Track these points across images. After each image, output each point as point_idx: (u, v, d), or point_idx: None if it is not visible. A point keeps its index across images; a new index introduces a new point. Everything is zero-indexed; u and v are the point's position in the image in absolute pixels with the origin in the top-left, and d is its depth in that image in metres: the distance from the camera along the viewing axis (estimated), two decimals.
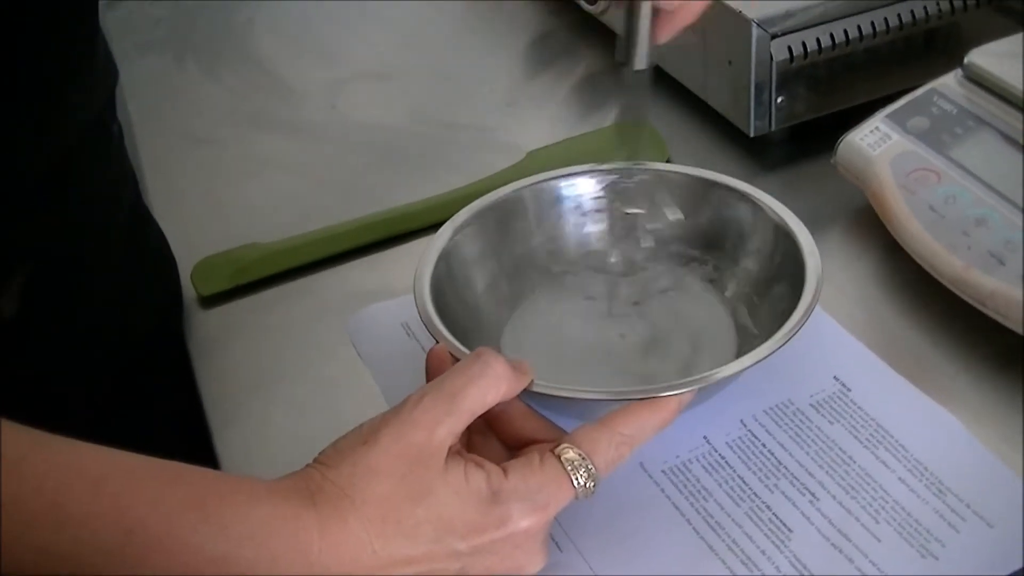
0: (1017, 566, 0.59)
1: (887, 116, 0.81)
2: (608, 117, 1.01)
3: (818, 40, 0.86)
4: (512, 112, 1.04)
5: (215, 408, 0.76)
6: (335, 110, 1.07)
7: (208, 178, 1.00)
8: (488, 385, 0.58)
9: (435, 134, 1.01)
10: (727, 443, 0.67)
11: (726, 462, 0.66)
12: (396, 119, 1.04)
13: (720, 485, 0.65)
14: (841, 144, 0.82)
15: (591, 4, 0.84)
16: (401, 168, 0.97)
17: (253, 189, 0.97)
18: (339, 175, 0.97)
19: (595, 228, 0.79)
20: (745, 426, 0.68)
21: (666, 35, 0.72)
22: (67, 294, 0.73)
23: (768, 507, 0.63)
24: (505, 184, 0.78)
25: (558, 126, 1.00)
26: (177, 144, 1.05)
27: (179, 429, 0.80)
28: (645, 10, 0.71)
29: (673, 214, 0.77)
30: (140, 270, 0.82)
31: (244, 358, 0.80)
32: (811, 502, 0.63)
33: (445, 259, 0.72)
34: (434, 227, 0.75)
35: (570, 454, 0.58)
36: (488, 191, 0.77)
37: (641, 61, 0.72)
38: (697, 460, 0.66)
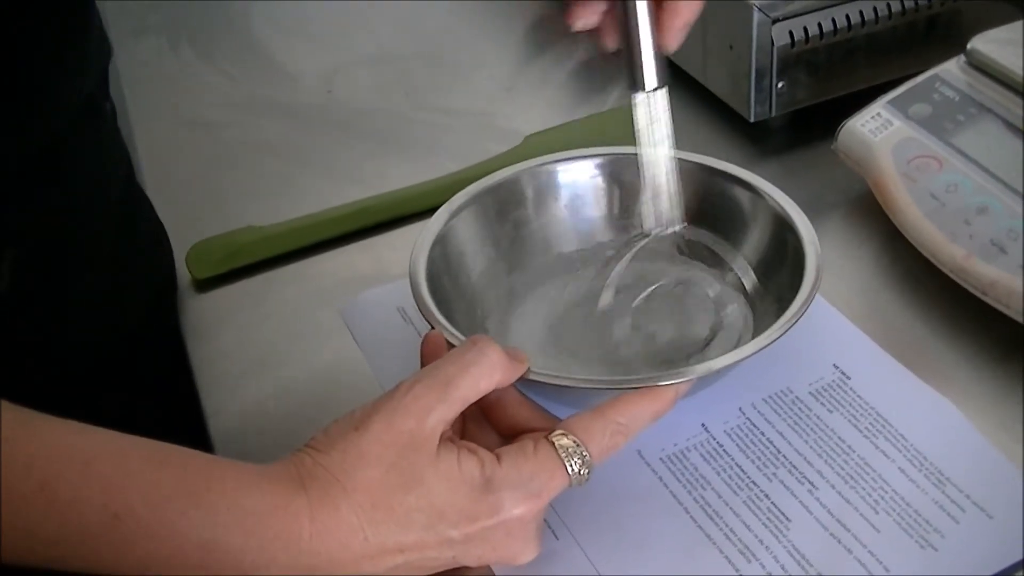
0: (1017, 558, 0.58)
1: (889, 102, 0.81)
2: (607, 101, 1.00)
3: (820, 25, 0.86)
4: (510, 97, 1.03)
5: (209, 392, 0.75)
6: (331, 94, 1.06)
7: (204, 162, 0.99)
8: (482, 373, 0.57)
9: (432, 119, 1.00)
10: (725, 431, 0.67)
11: (724, 451, 0.65)
12: (393, 104, 1.03)
13: (718, 474, 0.64)
14: (842, 130, 0.81)
15: None
16: (398, 153, 0.96)
17: (249, 173, 0.96)
18: (335, 160, 0.97)
19: (593, 213, 0.78)
20: (744, 414, 0.67)
21: (675, 36, 0.64)
22: (59, 273, 0.72)
23: (767, 496, 0.63)
24: (502, 168, 0.77)
25: (556, 110, 1.00)
26: (172, 128, 1.04)
27: (172, 412, 0.79)
28: (641, 11, 0.62)
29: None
30: (133, 251, 0.81)
31: (238, 342, 0.79)
32: (810, 491, 0.63)
33: (441, 243, 0.72)
34: (431, 211, 0.74)
35: (564, 441, 0.57)
36: (485, 175, 0.76)
37: (652, 78, 0.64)
38: (695, 448, 0.66)
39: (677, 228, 0.69)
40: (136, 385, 0.82)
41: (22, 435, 0.50)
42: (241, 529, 0.52)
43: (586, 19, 0.66)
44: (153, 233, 0.86)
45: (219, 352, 0.78)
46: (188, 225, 0.88)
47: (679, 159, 0.74)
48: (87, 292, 0.75)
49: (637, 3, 0.62)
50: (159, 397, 0.83)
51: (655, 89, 0.64)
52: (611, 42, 0.65)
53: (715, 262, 0.75)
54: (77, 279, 0.74)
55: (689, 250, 0.76)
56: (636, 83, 0.64)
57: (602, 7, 0.65)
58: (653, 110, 0.65)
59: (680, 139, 0.92)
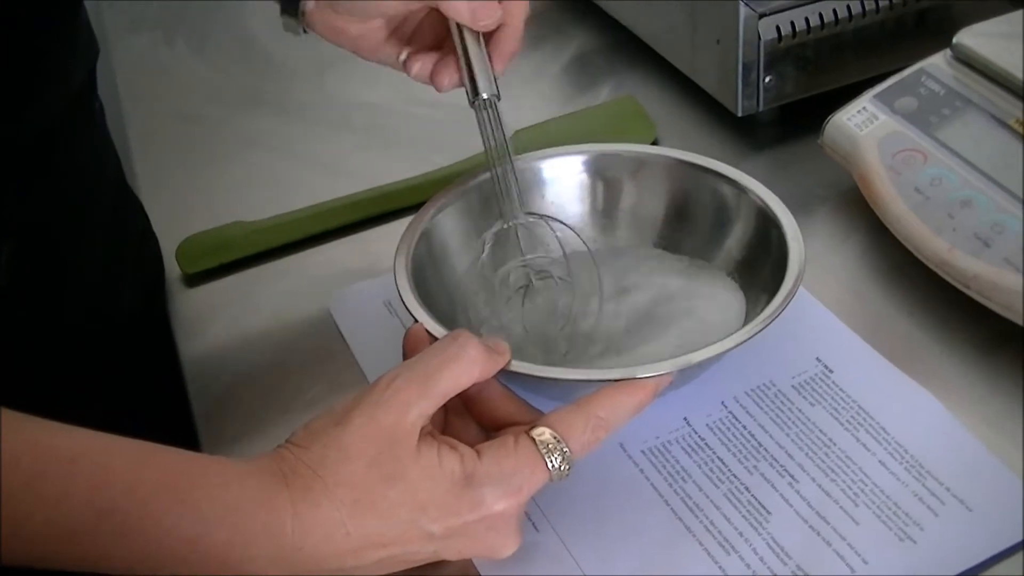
0: (995, 550, 0.59)
1: (875, 96, 0.81)
2: (597, 97, 1.00)
3: (807, 20, 0.86)
4: (500, 92, 1.03)
5: (197, 384, 0.76)
6: (323, 90, 1.06)
7: (196, 157, 0.99)
8: (462, 368, 0.58)
9: (423, 113, 1.01)
10: (707, 424, 0.67)
11: (706, 443, 0.66)
12: (384, 98, 1.03)
13: (699, 466, 0.65)
14: (828, 124, 0.82)
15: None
16: (389, 148, 0.97)
17: (241, 168, 0.97)
18: (327, 155, 0.97)
19: (578, 209, 0.78)
20: (726, 407, 0.68)
21: (502, 58, 0.71)
22: (52, 268, 0.73)
23: (747, 489, 0.63)
24: None
25: (546, 106, 1.00)
26: (165, 122, 1.05)
27: (161, 406, 0.80)
28: (469, 37, 0.69)
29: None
30: (123, 247, 0.82)
31: (227, 335, 0.80)
32: (790, 484, 0.63)
33: (426, 238, 0.72)
34: (419, 206, 0.75)
35: (545, 436, 0.57)
36: (474, 170, 0.77)
37: (484, 87, 0.69)
38: (677, 441, 0.66)
39: (519, 220, 0.72)
40: (126, 378, 0.82)
41: (7, 434, 0.51)
42: (225, 525, 0.53)
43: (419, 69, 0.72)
44: (142, 228, 0.87)
45: (208, 345, 0.79)
46: (179, 219, 0.88)
47: (660, 155, 0.75)
48: (78, 287, 0.76)
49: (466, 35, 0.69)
50: (148, 390, 0.84)
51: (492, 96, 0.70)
52: (445, 84, 0.72)
53: (699, 256, 0.75)
54: (69, 274, 0.75)
55: (672, 244, 0.76)
56: (473, 91, 0.70)
57: (433, 58, 0.72)
58: (491, 116, 0.71)
59: (667, 133, 0.93)
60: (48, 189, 0.71)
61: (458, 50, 0.70)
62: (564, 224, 0.74)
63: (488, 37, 0.70)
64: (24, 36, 0.65)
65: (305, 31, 0.74)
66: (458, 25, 0.69)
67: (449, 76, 0.71)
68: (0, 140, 0.66)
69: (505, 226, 0.72)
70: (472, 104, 0.70)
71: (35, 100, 0.68)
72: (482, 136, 0.71)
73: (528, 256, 0.73)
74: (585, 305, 0.72)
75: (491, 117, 0.70)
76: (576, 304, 0.72)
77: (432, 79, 0.72)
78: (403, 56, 0.73)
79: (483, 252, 0.72)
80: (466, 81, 0.70)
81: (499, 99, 0.70)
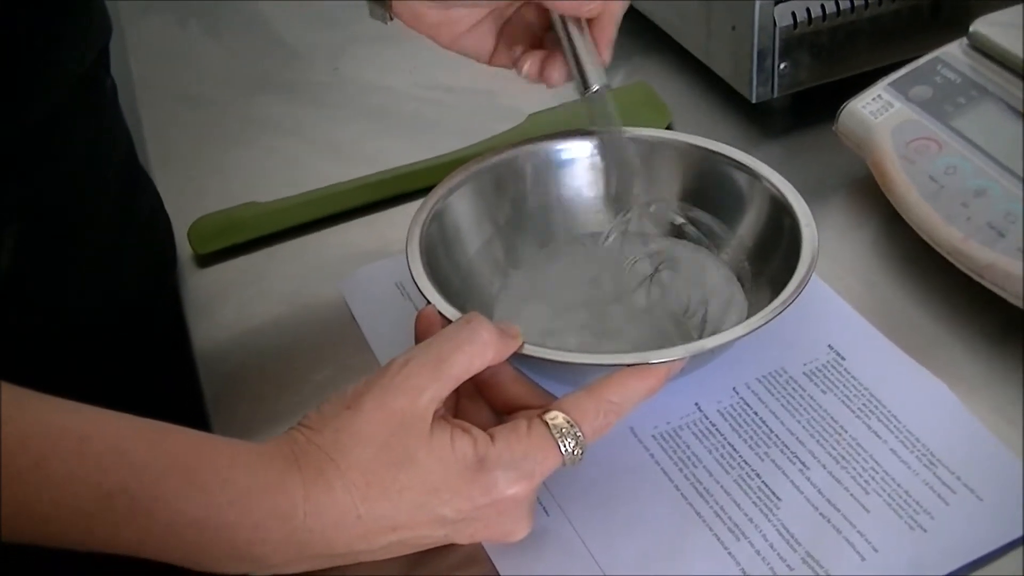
0: (1005, 540, 0.59)
1: (890, 84, 0.81)
2: (611, 83, 1.00)
3: (823, 7, 0.86)
4: (514, 76, 1.02)
5: (208, 366, 0.76)
6: (337, 73, 1.06)
7: (209, 140, 0.99)
8: (475, 352, 0.58)
9: (437, 97, 1.01)
10: (719, 410, 0.67)
11: (717, 429, 0.66)
12: (398, 82, 1.03)
13: (710, 452, 0.65)
14: (843, 112, 0.81)
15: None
16: (402, 132, 0.97)
17: (253, 151, 0.97)
18: (340, 138, 0.97)
19: (592, 192, 0.78)
20: (737, 394, 0.68)
21: (606, 44, 0.71)
22: (60, 249, 0.73)
23: (758, 475, 0.63)
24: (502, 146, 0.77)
25: (560, 90, 0.98)
26: (178, 105, 1.05)
27: (172, 387, 0.80)
28: (573, 30, 0.70)
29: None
30: (133, 227, 0.82)
31: (239, 316, 0.79)
32: (801, 471, 0.63)
33: (438, 219, 0.72)
34: (432, 189, 0.74)
35: (558, 420, 0.57)
36: (486, 152, 0.77)
37: (595, 79, 0.70)
38: (688, 427, 0.66)
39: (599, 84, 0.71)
40: (136, 359, 0.82)
41: (17, 413, 0.51)
42: (235, 507, 0.53)
43: (529, 67, 0.73)
44: (153, 208, 0.87)
45: (219, 326, 0.79)
46: (191, 200, 0.88)
47: (674, 140, 0.77)
48: (88, 267, 0.76)
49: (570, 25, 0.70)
50: (159, 371, 0.84)
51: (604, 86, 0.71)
52: (555, 80, 0.72)
53: (712, 242, 0.75)
54: (78, 254, 0.75)
55: (686, 230, 0.76)
56: (584, 84, 0.71)
57: (540, 55, 0.72)
58: (602, 107, 0.72)
59: (682, 119, 0.93)
60: (56, 168, 0.71)
61: (563, 43, 0.70)
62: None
63: (589, 25, 0.70)
64: (37, 16, 0.65)
65: (391, 19, 0.73)
66: (561, 17, 0.70)
67: (559, 71, 0.72)
68: (9, 120, 0.66)
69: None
70: (583, 96, 0.71)
71: (46, 80, 0.68)
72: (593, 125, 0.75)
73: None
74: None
75: (602, 107, 0.71)
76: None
77: (542, 76, 0.73)
78: (516, 55, 0.73)
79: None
80: (575, 74, 0.70)
81: (609, 87, 0.71)
